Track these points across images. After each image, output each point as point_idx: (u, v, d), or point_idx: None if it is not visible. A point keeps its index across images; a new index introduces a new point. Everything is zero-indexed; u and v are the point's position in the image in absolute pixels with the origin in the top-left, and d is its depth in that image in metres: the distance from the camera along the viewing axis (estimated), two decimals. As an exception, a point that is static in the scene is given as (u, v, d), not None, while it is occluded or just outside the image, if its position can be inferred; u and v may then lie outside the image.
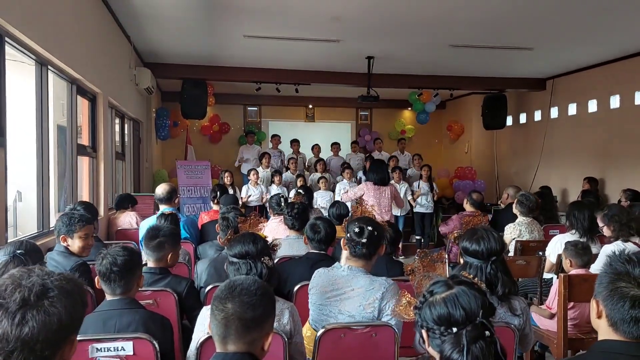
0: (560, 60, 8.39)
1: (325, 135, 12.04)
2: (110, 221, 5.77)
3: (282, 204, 5.06)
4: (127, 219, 5.62)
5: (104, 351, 2.09)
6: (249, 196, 8.47)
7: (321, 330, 2.43)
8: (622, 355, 1.54)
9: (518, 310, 2.43)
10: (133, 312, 2.27)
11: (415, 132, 13.24)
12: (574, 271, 3.59)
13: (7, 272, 1.32)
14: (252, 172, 8.74)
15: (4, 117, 3.21)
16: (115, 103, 6.34)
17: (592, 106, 8.74)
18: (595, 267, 3.74)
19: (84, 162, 5.50)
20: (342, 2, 5.56)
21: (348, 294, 2.59)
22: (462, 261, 2.60)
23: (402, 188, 8.66)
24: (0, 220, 3.18)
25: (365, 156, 10.76)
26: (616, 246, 3.82)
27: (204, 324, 2.29)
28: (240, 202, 7.70)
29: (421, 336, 1.60)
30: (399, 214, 8.54)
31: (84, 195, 5.49)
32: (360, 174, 9.92)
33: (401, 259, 4.02)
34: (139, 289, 2.51)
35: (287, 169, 9.77)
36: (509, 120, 10.88)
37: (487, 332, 1.47)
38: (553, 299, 3.56)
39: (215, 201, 5.95)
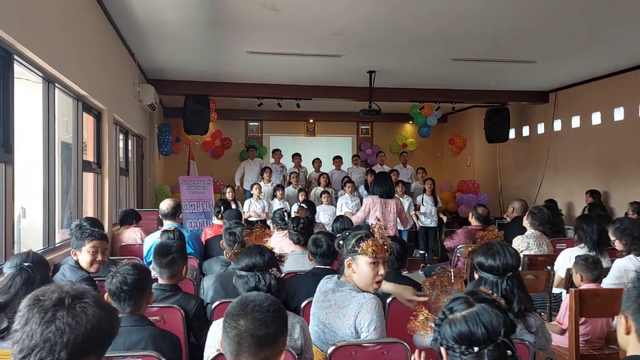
0: (563, 73, 8.42)
1: (326, 149, 12.05)
2: (115, 237, 5.74)
3: (286, 218, 5.05)
4: (131, 235, 5.60)
5: (114, 369, 2.07)
6: (252, 212, 8.45)
7: (332, 348, 2.39)
8: None
9: (533, 327, 2.41)
10: (142, 330, 2.24)
11: (417, 146, 13.26)
12: (584, 286, 3.55)
13: (14, 285, 1.35)
14: (255, 187, 8.73)
15: (12, 134, 3.20)
16: (119, 119, 6.35)
17: (596, 119, 8.75)
18: (607, 282, 3.71)
19: (88, 178, 5.49)
20: (344, 18, 5.59)
21: (332, 308, 2.56)
22: (476, 276, 2.56)
23: (405, 202, 8.63)
24: (8, 236, 3.17)
25: (367, 170, 10.75)
26: (629, 260, 3.79)
27: (213, 340, 2.26)
28: (243, 217, 7.71)
29: (439, 353, 1.56)
30: (402, 228, 8.51)
31: (89, 211, 5.48)
32: (361, 188, 9.90)
33: (404, 273, 3.98)
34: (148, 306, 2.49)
35: (289, 183, 9.76)
36: (512, 134, 10.90)
37: (509, 352, 1.43)
38: (564, 315, 3.52)
39: (219, 216, 5.92)
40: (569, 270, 3.99)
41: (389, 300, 3.01)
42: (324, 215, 8.32)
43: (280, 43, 6.55)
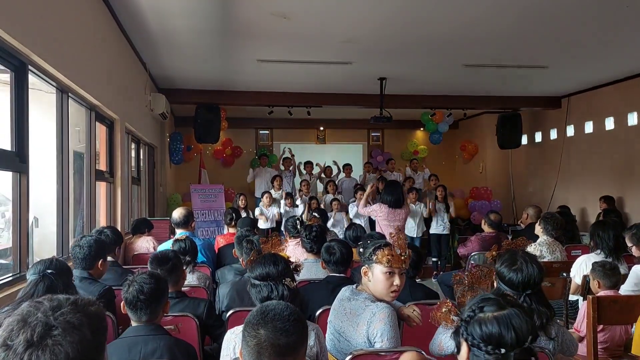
0: (576, 78, 8.36)
1: (337, 156, 12.03)
2: (127, 246, 5.75)
3: (298, 226, 5.03)
4: (143, 244, 5.60)
5: (130, 379, 2.06)
6: (264, 217, 8.47)
7: (348, 357, 2.36)
8: None
9: (553, 334, 2.38)
10: (158, 339, 2.23)
11: (428, 153, 13.22)
12: (602, 292, 3.49)
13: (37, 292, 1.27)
14: (266, 195, 8.74)
15: (27, 144, 3.22)
16: (131, 128, 6.39)
17: (609, 124, 8.67)
18: (625, 288, 3.66)
19: (101, 187, 5.52)
20: (355, 25, 5.59)
21: (347, 316, 2.54)
22: (495, 284, 2.53)
23: (417, 209, 8.60)
24: (23, 245, 3.19)
25: (377, 177, 10.71)
26: (648, 266, 3.74)
27: (228, 349, 2.24)
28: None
29: (457, 345, 1.62)
30: (415, 236, 8.47)
31: (101, 220, 5.50)
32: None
33: (419, 281, 3.95)
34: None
35: (300, 191, 9.75)
36: (524, 139, 10.83)
37: (532, 358, 1.49)
38: (581, 322, 3.47)
39: (232, 224, 5.91)
40: (585, 277, 3.93)
41: (431, 314, 2.97)
42: (335, 223, 8.30)
43: (290, 51, 6.57)
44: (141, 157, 7.88)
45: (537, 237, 5.09)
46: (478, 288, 2.05)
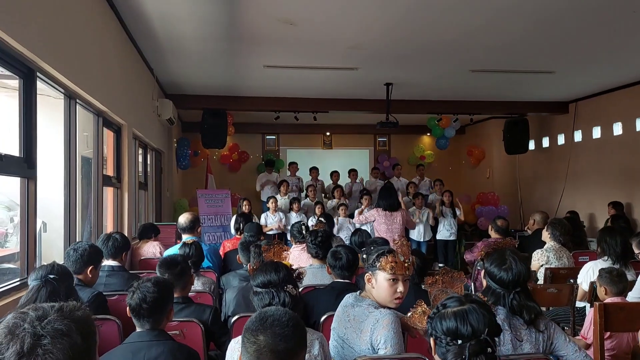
0: (583, 83, 8.33)
1: (343, 162, 12.04)
2: (134, 251, 5.78)
3: (304, 232, 5.03)
4: (150, 249, 5.63)
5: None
6: (270, 226, 8.47)
7: (353, 364, 2.36)
8: None
9: (542, 326, 2.39)
10: (162, 344, 2.24)
11: (435, 158, 13.19)
12: (609, 299, 3.47)
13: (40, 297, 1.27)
14: (271, 200, 8.75)
15: (35, 150, 3.25)
16: (138, 134, 6.43)
17: (617, 129, 8.62)
18: (632, 295, 3.63)
19: (108, 193, 5.55)
20: (361, 31, 5.60)
21: (350, 323, 2.54)
22: (484, 283, 2.58)
23: (424, 214, 8.60)
24: (30, 250, 3.21)
25: (384, 182, 10.70)
26: (655, 273, 3.71)
27: (232, 357, 2.25)
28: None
29: (429, 344, 1.77)
30: (421, 240, 8.47)
31: (109, 225, 5.53)
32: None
33: (423, 287, 3.93)
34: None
35: (306, 196, 9.76)
36: (532, 145, 10.79)
37: (489, 349, 1.62)
38: (588, 329, 3.45)
39: (240, 232, 5.92)
40: (592, 284, 3.91)
41: (409, 314, 2.97)
42: (341, 228, 8.29)
43: (296, 57, 6.59)
44: (148, 162, 7.92)
45: (544, 243, 5.06)
46: (450, 291, 2.19)
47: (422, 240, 8.47)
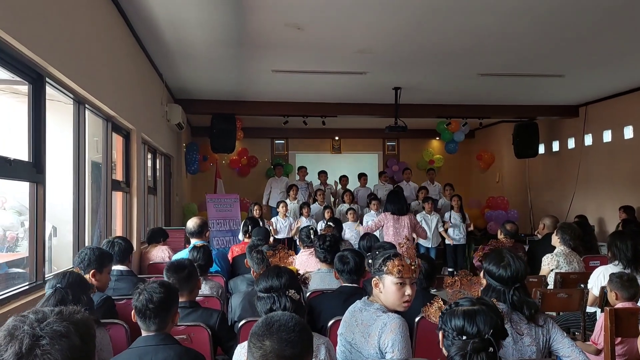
0: (593, 87, 8.26)
1: (352, 166, 12.04)
2: (143, 255, 5.80)
3: (312, 236, 5.03)
4: (159, 253, 5.65)
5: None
6: (274, 229, 8.48)
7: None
8: None
9: (541, 321, 2.47)
10: (168, 349, 2.24)
11: (444, 162, 13.14)
12: (620, 304, 3.44)
13: (48, 306, 1.31)
14: (281, 205, 8.76)
15: (44, 155, 3.28)
16: (147, 139, 6.46)
17: (628, 132, 8.54)
18: (643, 300, 3.58)
19: (117, 197, 5.58)
20: (369, 35, 5.60)
21: (359, 327, 2.53)
22: (484, 282, 2.63)
23: (433, 219, 8.57)
24: (39, 254, 3.23)
25: (394, 187, 10.68)
26: (666, 278, 3.66)
27: (239, 363, 2.24)
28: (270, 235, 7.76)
29: (439, 336, 1.90)
30: (430, 246, 8.42)
31: (118, 229, 5.55)
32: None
33: (433, 292, 3.92)
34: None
35: (315, 200, 9.75)
36: (541, 149, 10.71)
37: (491, 349, 1.73)
38: (599, 334, 3.41)
39: (248, 235, 5.93)
40: (603, 289, 3.87)
41: (417, 319, 2.96)
42: (350, 233, 8.27)
43: (305, 61, 6.60)
44: (157, 167, 7.96)
45: (554, 247, 5.02)
46: (466, 292, 2.31)
47: (430, 246, 8.44)
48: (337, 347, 2.61)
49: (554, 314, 4.69)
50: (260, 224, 7.64)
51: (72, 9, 3.59)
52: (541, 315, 2.52)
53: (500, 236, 6.02)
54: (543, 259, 4.93)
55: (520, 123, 10.25)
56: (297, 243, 5.59)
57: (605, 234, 8.19)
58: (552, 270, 4.80)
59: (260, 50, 6.09)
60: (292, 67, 6.85)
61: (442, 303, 2.01)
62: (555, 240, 4.99)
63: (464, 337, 1.76)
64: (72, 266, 4.01)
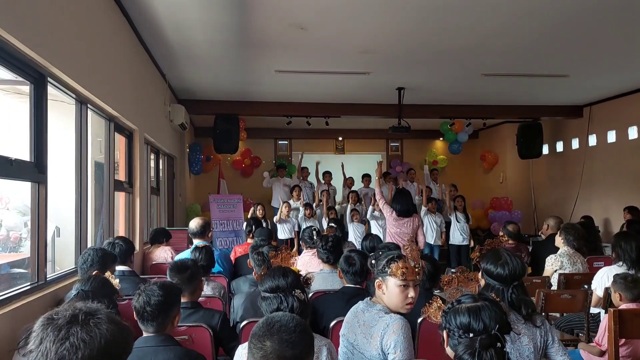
0: (597, 87, 8.23)
1: (356, 167, 12.00)
2: (145, 255, 5.80)
3: (315, 237, 5.01)
4: (162, 254, 5.65)
5: (140, 390, 2.06)
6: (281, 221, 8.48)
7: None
8: None
9: (539, 322, 2.48)
10: (169, 350, 2.23)
11: (448, 163, 13.11)
12: (624, 305, 3.41)
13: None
14: (285, 205, 8.74)
15: (46, 155, 3.28)
16: (150, 139, 6.47)
17: (633, 133, 8.51)
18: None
19: (120, 197, 5.59)
20: (372, 35, 5.59)
21: (361, 328, 2.52)
22: (482, 282, 2.64)
23: (437, 219, 8.54)
24: (41, 254, 3.22)
25: (397, 188, 10.63)
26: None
27: (240, 364, 2.23)
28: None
29: (442, 337, 1.88)
30: (433, 244, 8.41)
31: (120, 230, 5.56)
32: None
33: (437, 292, 3.90)
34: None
35: (320, 201, 9.72)
36: (545, 149, 10.68)
37: (499, 344, 1.72)
38: (603, 335, 3.38)
39: (251, 235, 5.93)
40: (607, 290, 3.84)
41: (419, 320, 2.94)
42: (354, 234, 8.26)
43: (308, 61, 6.60)
44: (161, 167, 7.96)
45: (558, 248, 5.00)
46: (465, 290, 2.30)
47: (433, 243, 8.43)
48: (339, 348, 2.60)
49: (558, 315, 4.67)
50: (263, 224, 7.65)
51: (74, 9, 3.59)
52: (538, 316, 2.53)
53: (502, 237, 5.99)
54: (547, 259, 4.90)
55: (524, 123, 10.22)
56: (300, 244, 5.58)
57: (610, 234, 8.15)
58: (555, 271, 4.78)
59: (264, 50, 6.09)
60: (296, 68, 6.85)
61: (441, 302, 2.00)
62: (558, 241, 4.96)
63: (471, 335, 1.74)
64: (74, 266, 4.03)
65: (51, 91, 3.45)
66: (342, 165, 10.86)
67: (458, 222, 8.66)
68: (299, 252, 6.00)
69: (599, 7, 4.79)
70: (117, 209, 5.37)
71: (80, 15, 3.72)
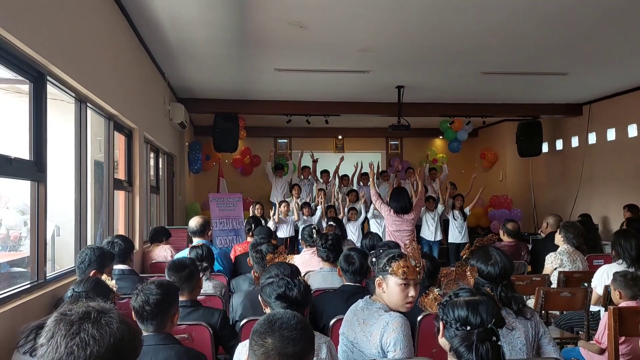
0: (597, 85, 8.23)
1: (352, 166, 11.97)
2: (145, 254, 5.80)
3: (314, 235, 5.01)
4: (161, 252, 5.65)
5: (140, 388, 2.05)
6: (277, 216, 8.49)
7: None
8: None
9: (529, 314, 2.52)
10: (169, 348, 2.23)
11: (448, 161, 13.09)
12: (624, 303, 3.42)
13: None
14: (283, 204, 8.75)
15: (45, 154, 3.27)
16: (150, 138, 6.46)
17: (632, 131, 8.51)
18: (647, 299, 3.56)
19: (120, 196, 5.59)
20: (371, 34, 5.59)
21: (360, 326, 2.52)
22: (472, 282, 2.64)
23: (435, 216, 8.57)
24: (40, 253, 3.22)
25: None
26: (670, 277, 3.63)
27: (240, 360, 2.24)
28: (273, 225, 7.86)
29: (437, 327, 1.91)
30: (432, 240, 8.43)
31: (120, 228, 5.56)
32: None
33: (436, 291, 3.90)
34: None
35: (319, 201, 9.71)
36: (545, 147, 10.68)
37: (494, 337, 1.75)
38: (602, 333, 3.39)
39: (250, 234, 5.93)
40: (607, 287, 3.84)
41: (419, 318, 2.94)
42: (352, 232, 8.27)
43: (307, 60, 6.59)
44: (160, 166, 7.96)
45: (558, 246, 5.00)
46: (461, 283, 2.39)
47: (433, 240, 8.44)
48: (338, 347, 2.60)
49: (558, 313, 4.67)
50: (263, 223, 7.65)
51: (73, 7, 3.59)
52: (528, 309, 2.56)
53: (503, 236, 5.99)
54: (546, 257, 4.90)
55: (524, 122, 10.22)
56: (300, 242, 5.58)
57: (609, 232, 8.16)
58: (555, 269, 4.78)
59: (263, 49, 6.08)
60: (295, 66, 6.84)
61: (437, 293, 2.07)
62: (558, 239, 4.97)
63: (468, 328, 1.77)
64: (74, 265, 4.03)
65: (51, 90, 3.45)
66: (342, 159, 10.77)
67: (455, 219, 8.68)
68: (299, 251, 6.01)
69: (597, 5, 4.79)
70: (116, 207, 5.37)
71: (79, 13, 3.71)
